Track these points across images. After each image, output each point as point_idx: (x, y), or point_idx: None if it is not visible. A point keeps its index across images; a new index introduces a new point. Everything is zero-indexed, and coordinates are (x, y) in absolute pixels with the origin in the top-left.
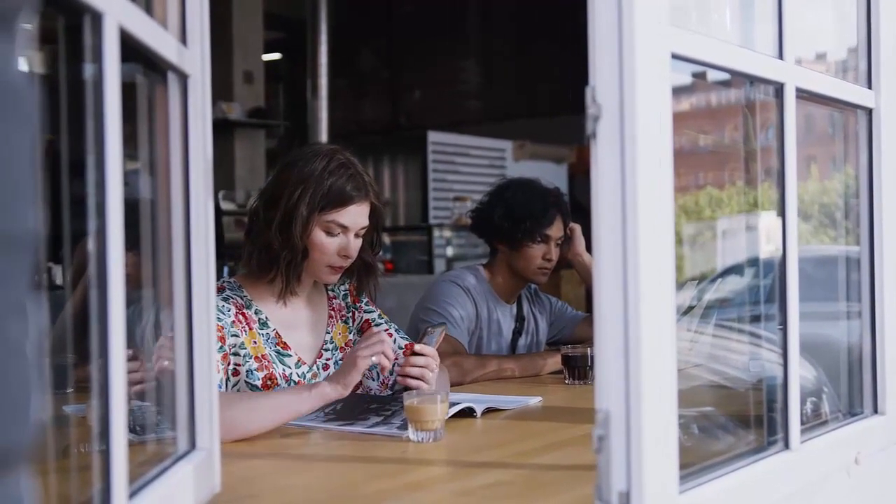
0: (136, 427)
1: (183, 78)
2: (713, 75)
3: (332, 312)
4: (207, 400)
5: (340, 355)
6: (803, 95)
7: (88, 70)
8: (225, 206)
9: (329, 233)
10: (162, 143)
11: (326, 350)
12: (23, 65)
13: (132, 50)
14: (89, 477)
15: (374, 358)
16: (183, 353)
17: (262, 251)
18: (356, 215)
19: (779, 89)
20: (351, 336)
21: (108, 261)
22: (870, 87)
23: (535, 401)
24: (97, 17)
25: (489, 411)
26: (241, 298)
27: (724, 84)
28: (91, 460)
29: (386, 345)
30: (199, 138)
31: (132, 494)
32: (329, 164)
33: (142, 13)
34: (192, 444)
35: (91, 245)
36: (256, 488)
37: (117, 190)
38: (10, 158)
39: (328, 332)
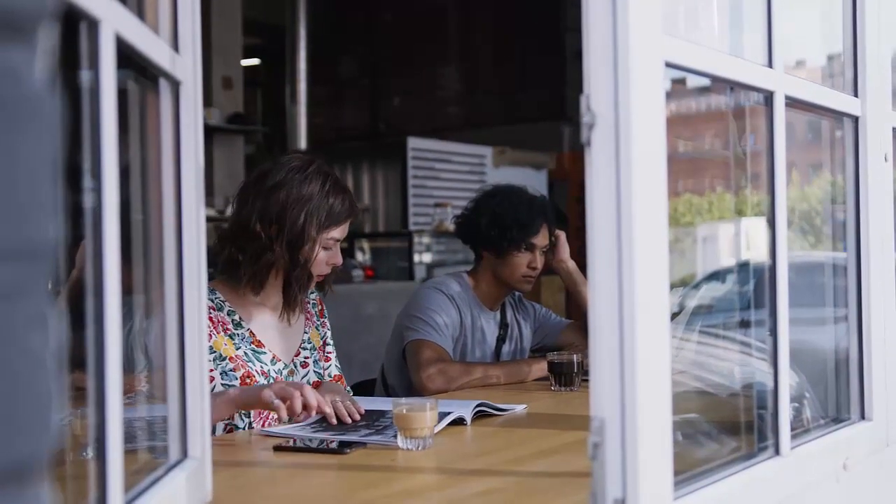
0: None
1: (175, 85)
2: (692, 82)
3: (308, 315)
4: (199, 409)
5: (318, 355)
6: (791, 103)
7: (84, 76)
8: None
9: (325, 248)
10: (153, 149)
11: (305, 349)
12: (44, 74)
13: (125, 56)
14: (81, 486)
15: (276, 401)
16: (174, 361)
17: (265, 269)
18: (347, 228)
19: (768, 97)
20: (322, 341)
21: (104, 268)
22: (856, 95)
23: (521, 408)
24: (94, 24)
25: (479, 416)
26: (212, 301)
27: (703, 90)
28: (80, 469)
29: (296, 400)
30: (191, 145)
31: None
32: (325, 185)
33: (137, 20)
34: (184, 453)
35: (87, 252)
36: (247, 498)
37: (113, 197)
38: (33, 169)
39: (306, 332)
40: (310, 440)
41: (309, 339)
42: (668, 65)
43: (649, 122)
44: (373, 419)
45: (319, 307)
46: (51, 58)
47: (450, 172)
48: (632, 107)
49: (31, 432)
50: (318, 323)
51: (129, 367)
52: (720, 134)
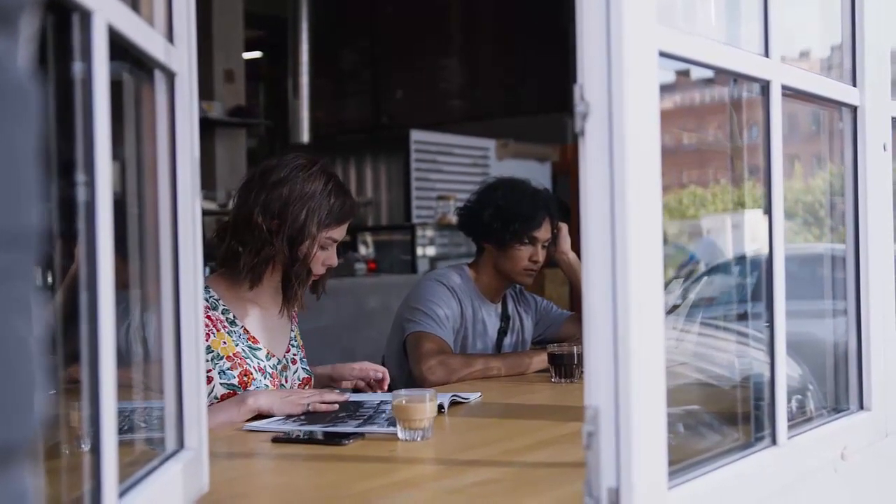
0: (121, 427)
1: (170, 76)
2: (696, 73)
3: (294, 314)
4: (195, 399)
5: (303, 353)
6: (789, 93)
7: (77, 68)
8: (206, 205)
9: (323, 247)
10: (149, 142)
11: (293, 346)
12: (26, 62)
13: (119, 48)
14: (77, 477)
15: (310, 407)
16: (171, 353)
17: (264, 263)
18: (345, 230)
19: (765, 87)
20: (302, 341)
21: (98, 261)
22: (854, 85)
23: (475, 396)
24: (86, 15)
25: (453, 404)
26: (207, 300)
27: (708, 82)
28: (76, 461)
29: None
30: (187, 137)
31: (121, 494)
32: (328, 184)
33: (130, 11)
34: (181, 444)
35: (79, 245)
36: (244, 488)
37: (106, 189)
38: (15, 156)
39: (293, 331)
40: (305, 431)
41: (295, 336)
42: (663, 54)
43: (643, 112)
44: (353, 410)
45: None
46: (33, 46)
47: (453, 165)
48: (625, 97)
49: (14, 415)
50: (298, 323)
51: (130, 361)
52: (724, 126)
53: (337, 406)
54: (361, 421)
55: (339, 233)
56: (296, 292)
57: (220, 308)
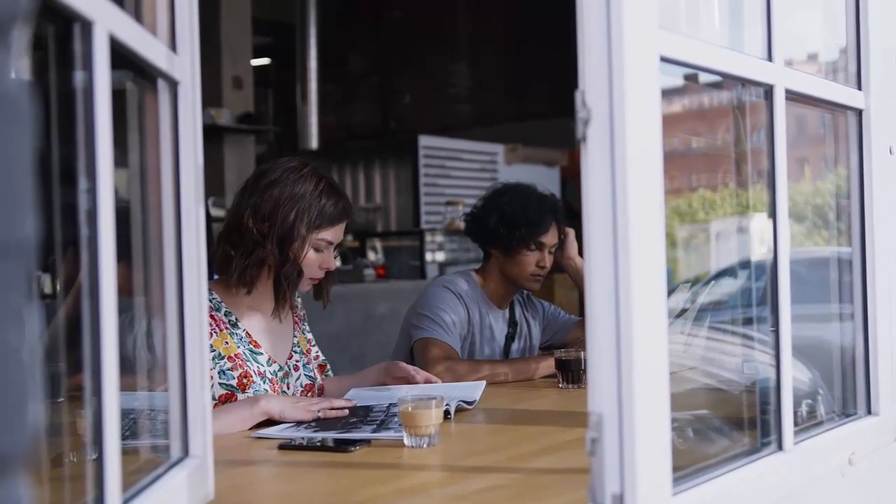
0: (125, 434)
1: (173, 85)
2: (704, 77)
3: (297, 319)
4: (200, 407)
5: (306, 359)
6: (793, 97)
7: (78, 77)
8: (215, 212)
9: (317, 249)
10: (152, 150)
11: (296, 352)
12: (19, 73)
13: (121, 57)
14: (82, 485)
15: (320, 414)
16: (175, 361)
17: (255, 265)
18: (341, 232)
19: (768, 91)
20: (307, 346)
21: (100, 269)
22: (860, 88)
23: (479, 389)
24: (87, 25)
25: (459, 411)
26: (210, 302)
27: (716, 86)
28: (83, 469)
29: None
30: (190, 145)
31: (125, 502)
32: (319, 185)
33: (131, 20)
34: (186, 452)
35: (82, 253)
36: (250, 496)
37: (108, 198)
38: (8, 166)
39: (295, 336)
40: (314, 438)
41: (297, 342)
42: (664, 59)
43: (645, 117)
44: (363, 416)
45: (303, 311)
46: (27, 57)
47: (461, 170)
48: (626, 102)
49: (7, 427)
50: (304, 327)
51: (136, 370)
52: (732, 129)
53: (347, 412)
54: (375, 426)
55: (333, 234)
56: (285, 294)
57: (223, 310)
